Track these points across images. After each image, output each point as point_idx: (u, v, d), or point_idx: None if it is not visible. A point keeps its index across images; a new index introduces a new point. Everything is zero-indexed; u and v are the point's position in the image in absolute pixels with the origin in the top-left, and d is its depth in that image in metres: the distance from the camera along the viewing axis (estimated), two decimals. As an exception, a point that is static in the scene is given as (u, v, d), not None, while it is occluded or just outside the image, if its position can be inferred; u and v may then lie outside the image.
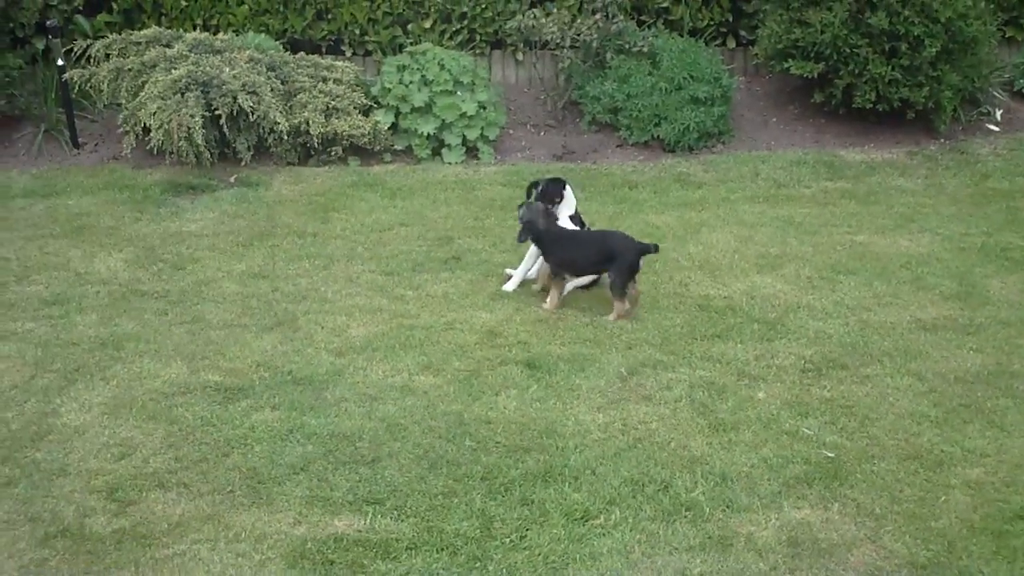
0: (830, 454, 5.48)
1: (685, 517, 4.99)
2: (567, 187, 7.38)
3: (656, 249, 6.95)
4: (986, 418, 5.82)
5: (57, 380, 6.16)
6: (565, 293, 7.15)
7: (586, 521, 4.95)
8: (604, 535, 4.87)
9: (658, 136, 10.34)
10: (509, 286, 7.36)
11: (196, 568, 4.67)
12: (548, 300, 7.06)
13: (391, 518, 4.97)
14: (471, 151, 10.17)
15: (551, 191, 7.29)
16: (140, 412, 5.83)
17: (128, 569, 4.66)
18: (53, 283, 7.44)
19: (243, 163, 9.65)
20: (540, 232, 6.98)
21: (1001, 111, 11.09)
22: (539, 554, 4.74)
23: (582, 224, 7.35)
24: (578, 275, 7.21)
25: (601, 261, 6.97)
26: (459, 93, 10.17)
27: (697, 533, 4.89)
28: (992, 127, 10.94)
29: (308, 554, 4.73)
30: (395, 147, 10.10)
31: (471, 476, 5.27)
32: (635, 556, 4.74)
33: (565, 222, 7.25)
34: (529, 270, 7.42)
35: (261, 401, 5.93)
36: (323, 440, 5.55)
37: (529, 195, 7.40)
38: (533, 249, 7.35)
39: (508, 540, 4.83)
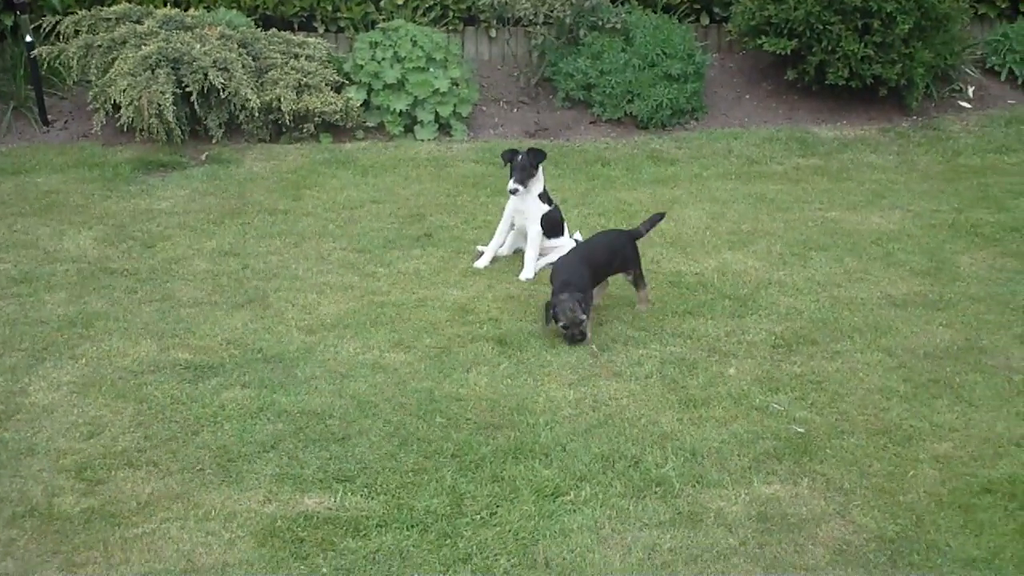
0: (800, 429, 5.50)
1: (655, 493, 5.00)
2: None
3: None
4: (955, 393, 5.85)
5: (25, 359, 6.11)
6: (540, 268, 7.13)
7: (556, 497, 4.94)
8: (574, 511, 4.86)
9: (631, 113, 10.34)
10: (480, 263, 7.34)
11: (165, 547, 4.65)
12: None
13: (361, 495, 4.95)
14: (444, 128, 10.13)
15: (532, 161, 7.11)
16: (109, 391, 5.79)
17: (97, 548, 4.63)
18: (21, 261, 7.37)
19: (214, 140, 9.59)
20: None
21: (973, 88, 11.15)
22: (509, 531, 4.73)
23: (550, 201, 7.30)
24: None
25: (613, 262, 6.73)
26: (432, 70, 10.12)
27: (667, 509, 4.90)
28: (964, 104, 11.00)
29: (278, 532, 4.71)
30: (367, 124, 10.05)
31: (442, 453, 5.26)
32: (605, 532, 4.75)
33: (535, 200, 7.19)
34: (500, 247, 7.41)
35: (231, 379, 5.90)
36: (293, 418, 5.53)
37: (505, 163, 7.23)
38: (503, 226, 7.33)
39: (478, 517, 4.82)
